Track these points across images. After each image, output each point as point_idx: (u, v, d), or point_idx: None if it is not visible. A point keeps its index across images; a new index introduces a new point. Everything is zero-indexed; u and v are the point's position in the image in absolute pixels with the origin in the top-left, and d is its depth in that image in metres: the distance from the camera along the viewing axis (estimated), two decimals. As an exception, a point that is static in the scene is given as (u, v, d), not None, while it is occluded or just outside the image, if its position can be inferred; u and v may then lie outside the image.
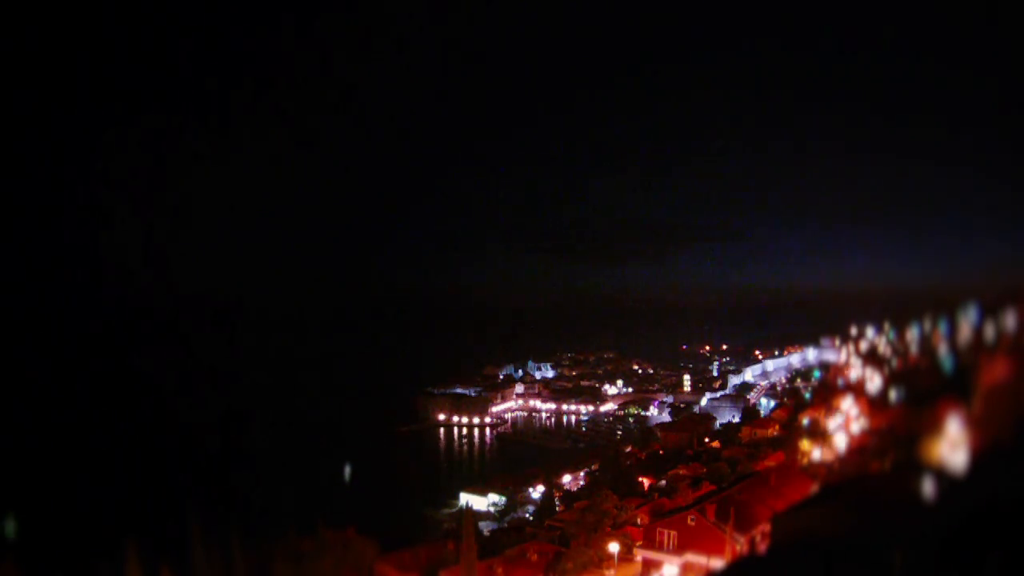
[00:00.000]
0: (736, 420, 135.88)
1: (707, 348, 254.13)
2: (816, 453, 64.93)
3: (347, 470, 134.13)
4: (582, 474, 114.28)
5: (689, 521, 47.15)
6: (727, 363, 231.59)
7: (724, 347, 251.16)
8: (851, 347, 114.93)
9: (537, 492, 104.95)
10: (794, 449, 74.40)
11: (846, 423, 65.62)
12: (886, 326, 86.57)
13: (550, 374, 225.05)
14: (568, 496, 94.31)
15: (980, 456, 16.10)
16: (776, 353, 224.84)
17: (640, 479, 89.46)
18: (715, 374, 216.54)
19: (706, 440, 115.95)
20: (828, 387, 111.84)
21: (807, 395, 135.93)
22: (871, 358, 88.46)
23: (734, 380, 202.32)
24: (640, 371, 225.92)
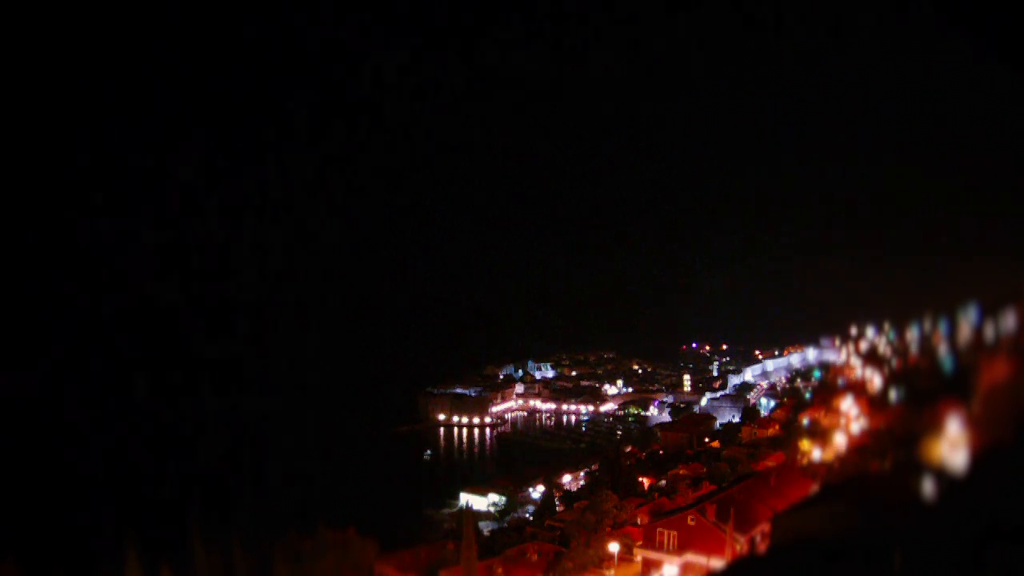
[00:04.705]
0: (736, 420, 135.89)
1: (707, 348, 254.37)
2: (816, 453, 64.92)
3: (427, 453, 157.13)
4: (582, 474, 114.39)
5: (689, 521, 47.10)
6: (727, 363, 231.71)
7: (724, 347, 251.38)
8: (851, 347, 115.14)
9: (537, 492, 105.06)
10: (794, 449, 74.43)
11: (846, 423, 65.68)
12: (886, 326, 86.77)
13: (550, 374, 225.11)
14: (568, 496, 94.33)
15: (980, 456, 16.10)
16: (776, 353, 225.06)
17: (640, 479, 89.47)
18: (715, 374, 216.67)
19: (706, 440, 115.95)
20: (828, 387, 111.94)
21: (807, 395, 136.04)
22: (871, 358, 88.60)
23: (734, 380, 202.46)
24: (640, 371, 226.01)
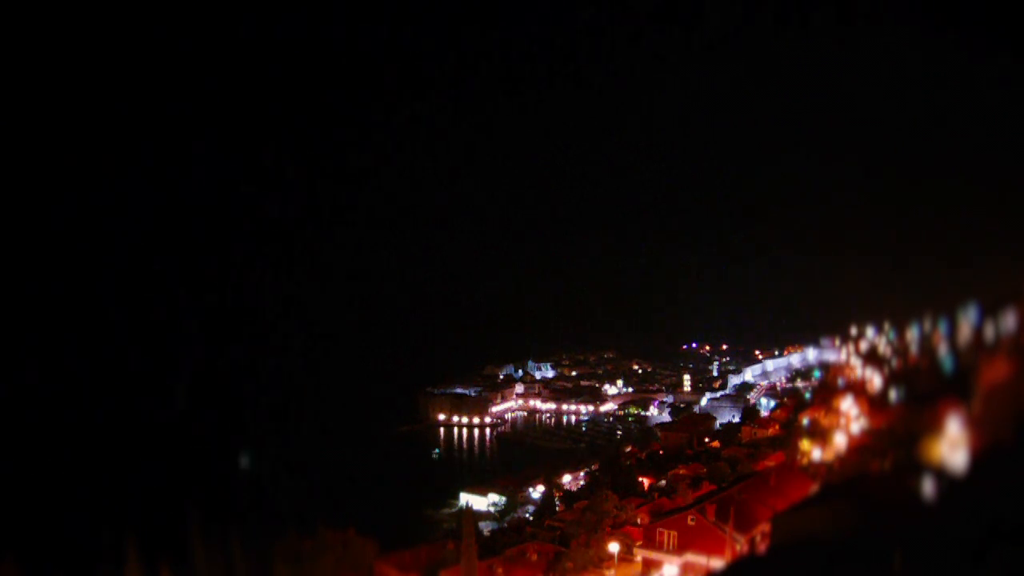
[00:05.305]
0: (736, 420, 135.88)
1: (707, 348, 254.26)
2: (816, 453, 64.88)
3: (435, 452, 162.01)
4: (582, 474, 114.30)
5: (689, 521, 47.11)
6: (727, 363, 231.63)
7: (724, 347, 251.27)
8: (851, 347, 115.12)
9: (537, 492, 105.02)
10: (794, 449, 74.38)
11: (846, 423, 65.64)
12: (886, 326, 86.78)
13: (550, 374, 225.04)
14: (568, 496, 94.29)
15: (980, 456, 16.10)
16: (776, 353, 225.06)
17: (640, 479, 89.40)
18: (715, 374, 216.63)
19: (706, 440, 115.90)
20: (828, 387, 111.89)
21: (807, 395, 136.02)
22: (871, 358, 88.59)
23: (734, 380, 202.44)
24: (640, 371, 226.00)
